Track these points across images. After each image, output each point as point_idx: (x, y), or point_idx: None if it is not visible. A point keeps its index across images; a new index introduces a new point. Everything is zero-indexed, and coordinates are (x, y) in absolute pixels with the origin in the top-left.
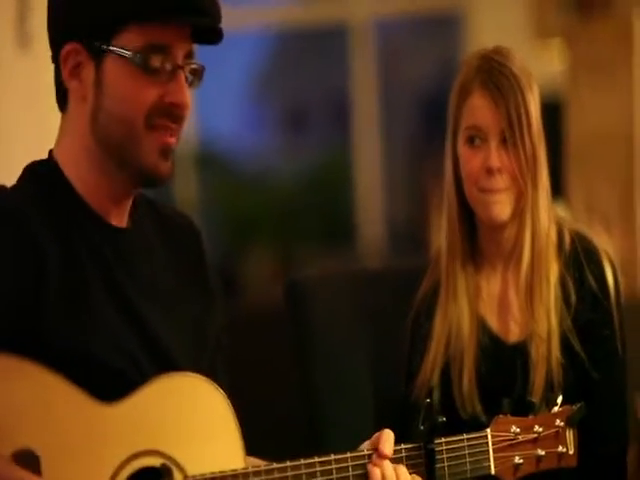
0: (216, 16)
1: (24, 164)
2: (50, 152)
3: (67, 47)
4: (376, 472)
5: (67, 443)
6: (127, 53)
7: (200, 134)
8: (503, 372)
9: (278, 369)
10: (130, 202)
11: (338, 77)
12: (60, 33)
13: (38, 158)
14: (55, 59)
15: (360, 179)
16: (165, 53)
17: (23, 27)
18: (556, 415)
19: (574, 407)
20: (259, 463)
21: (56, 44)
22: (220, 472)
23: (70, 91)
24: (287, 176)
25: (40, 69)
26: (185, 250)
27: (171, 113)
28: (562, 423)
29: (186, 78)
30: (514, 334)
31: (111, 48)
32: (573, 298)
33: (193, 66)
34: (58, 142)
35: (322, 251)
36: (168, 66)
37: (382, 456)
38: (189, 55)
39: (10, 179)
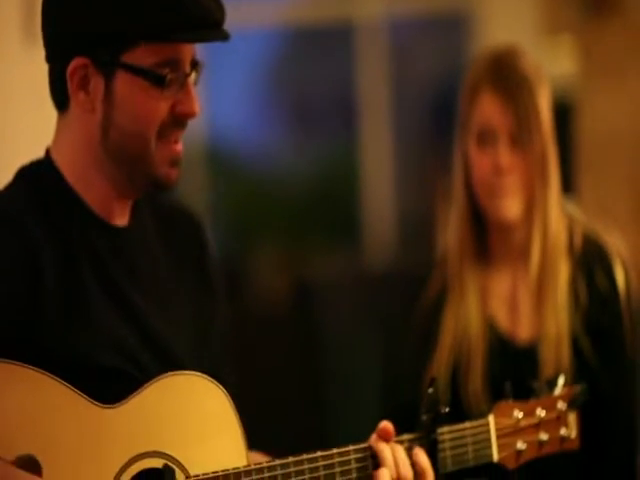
0: (223, 20)
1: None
2: (47, 151)
3: (75, 61)
4: (385, 451)
5: (68, 448)
6: (138, 70)
7: (207, 133)
8: (512, 373)
9: (286, 366)
10: (132, 200)
11: (347, 75)
12: (67, 47)
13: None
14: (54, 63)
15: (369, 176)
16: (174, 65)
17: (30, 25)
18: (558, 397)
19: (576, 389)
20: (262, 459)
21: (60, 56)
22: (222, 471)
23: (75, 101)
24: (295, 173)
25: (47, 67)
26: (186, 245)
27: (182, 122)
28: (564, 406)
29: (194, 81)
30: (523, 334)
31: (121, 64)
32: (583, 299)
33: (197, 67)
34: (57, 142)
35: (331, 248)
36: (177, 77)
37: (383, 433)
38: (194, 59)
39: None
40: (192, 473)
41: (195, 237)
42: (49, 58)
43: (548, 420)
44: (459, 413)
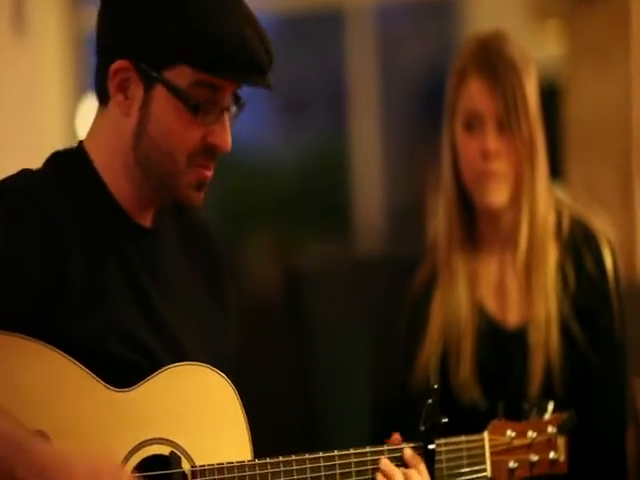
0: (269, 68)
1: (19, 154)
2: (80, 142)
3: (119, 63)
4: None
5: (78, 427)
6: (175, 89)
7: None
8: (501, 358)
9: (275, 353)
10: (156, 206)
11: (336, 62)
12: (115, 47)
13: (33, 148)
14: (101, 57)
15: (358, 164)
16: (213, 92)
17: (19, 16)
18: (548, 422)
19: (565, 415)
20: None
21: (107, 53)
22: (227, 463)
23: (114, 101)
24: (285, 162)
25: (36, 57)
26: (206, 258)
27: (212, 152)
28: (554, 430)
29: (231, 116)
30: (512, 319)
31: (161, 79)
32: (572, 283)
33: (238, 103)
34: (92, 136)
35: (320, 237)
36: (215, 108)
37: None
38: (235, 94)
39: (4, 172)
40: (197, 463)
41: (212, 250)
42: (97, 51)
43: (539, 442)
44: (449, 399)
